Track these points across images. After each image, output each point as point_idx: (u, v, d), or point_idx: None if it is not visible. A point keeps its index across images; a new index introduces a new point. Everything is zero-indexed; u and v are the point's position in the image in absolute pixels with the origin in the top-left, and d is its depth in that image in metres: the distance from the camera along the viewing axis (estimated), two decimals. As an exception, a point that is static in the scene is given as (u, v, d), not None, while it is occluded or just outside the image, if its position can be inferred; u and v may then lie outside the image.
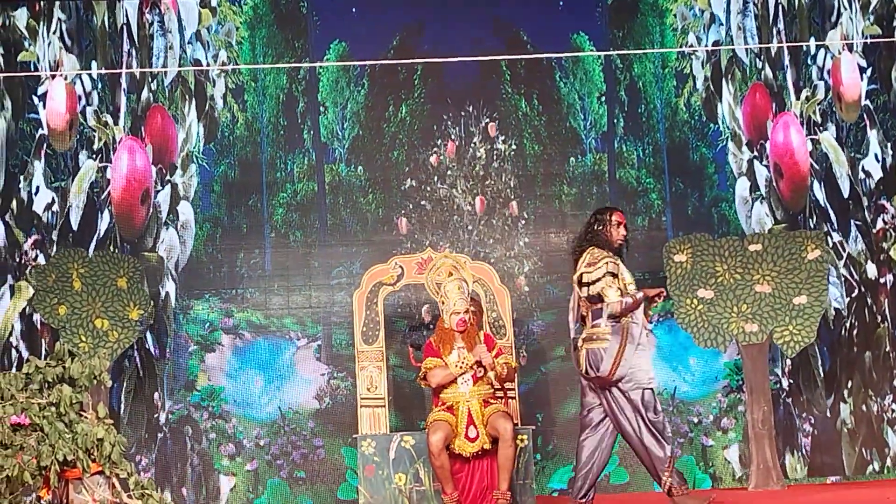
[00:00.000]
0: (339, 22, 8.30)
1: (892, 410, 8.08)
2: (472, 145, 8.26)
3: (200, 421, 7.89)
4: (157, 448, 7.85)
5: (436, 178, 8.22)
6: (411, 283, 7.55)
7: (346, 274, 8.05)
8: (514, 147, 8.27)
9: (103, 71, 8.16)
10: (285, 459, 7.86)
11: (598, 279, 6.16)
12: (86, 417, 6.41)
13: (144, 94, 8.19)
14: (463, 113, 8.27)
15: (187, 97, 8.21)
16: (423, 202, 8.20)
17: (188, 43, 8.25)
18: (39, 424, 6.13)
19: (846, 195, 8.28)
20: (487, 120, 8.28)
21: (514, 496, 6.76)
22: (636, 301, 6.17)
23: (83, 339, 7.48)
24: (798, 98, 8.36)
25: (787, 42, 8.40)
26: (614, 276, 6.16)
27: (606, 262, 6.18)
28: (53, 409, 6.27)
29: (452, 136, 8.26)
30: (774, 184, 8.27)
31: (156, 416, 7.87)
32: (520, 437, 6.84)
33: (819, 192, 8.28)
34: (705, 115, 8.34)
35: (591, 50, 8.36)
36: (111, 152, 8.11)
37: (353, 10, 8.30)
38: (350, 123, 8.26)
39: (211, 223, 8.11)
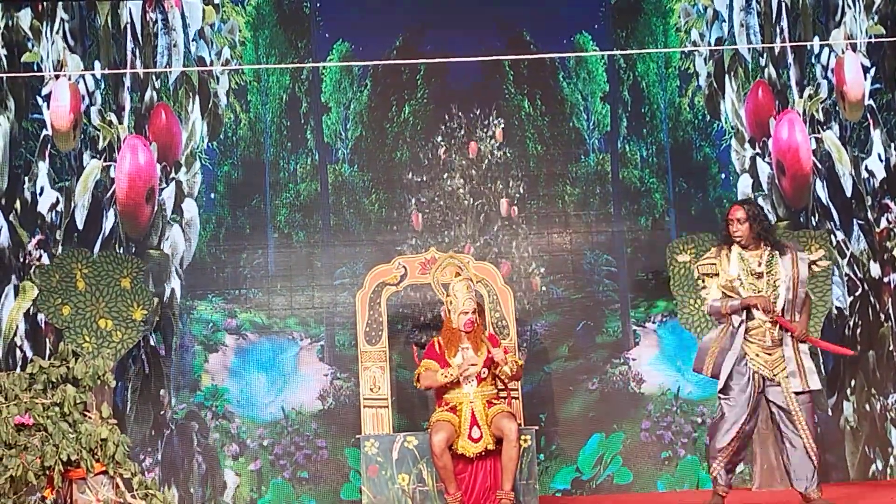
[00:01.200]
0: (343, 22, 8.31)
1: (896, 410, 8.09)
2: (474, 146, 8.26)
3: (205, 421, 7.90)
4: (164, 445, 7.85)
5: (443, 177, 8.21)
6: (415, 283, 7.55)
7: (350, 274, 8.05)
8: (517, 147, 8.27)
9: (107, 71, 8.17)
10: (288, 460, 7.87)
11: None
12: (90, 417, 6.41)
13: (148, 92, 8.20)
14: (468, 114, 8.27)
15: (191, 95, 8.21)
16: (424, 202, 8.20)
17: (192, 41, 8.26)
18: (43, 424, 6.14)
19: (849, 194, 8.28)
20: (490, 120, 8.27)
21: (517, 496, 6.77)
22: (727, 307, 6.28)
23: (87, 339, 7.49)
24: (801, 96, 8.36)
25: (790, 40, 8.40)
26: (712, 276, 6.34)
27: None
28: (57, 409, 6.27)
29: (455, 137, 8.26)
30: (777, 181, 8.26)
31: (162, 413, 7.87)
32: (523, 437, 6.84)
33: (822, 191, 8.27)
34: (708, 112, 8.34)
35: (595, 50, 8.35)
36: (115, 151, 8.12)
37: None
38: (353, 124, 8.27)
39: (214, 224, 8.12)
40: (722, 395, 6.35)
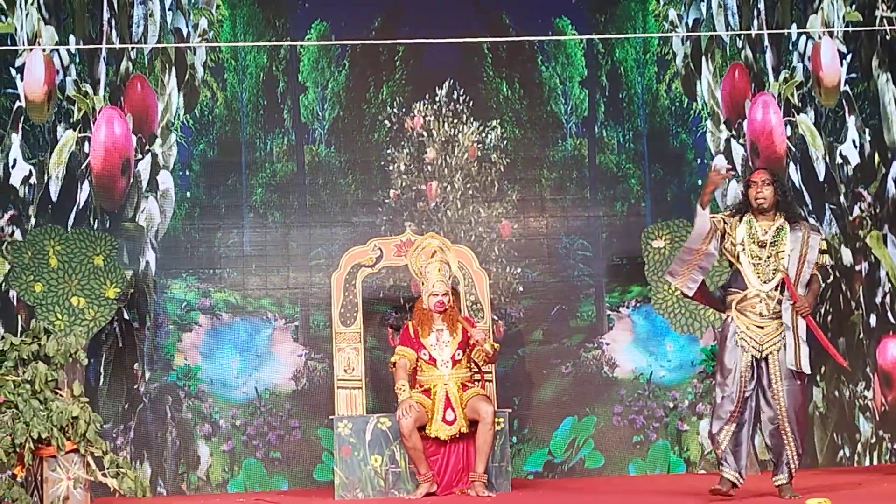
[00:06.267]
0: (321, 2, 8.25)
1: (865, 397, 8.15)
2: (452, 128, 8.23)
3: (178, 397, 7.85)
4: (137, 419, 7.80)
5: (416, 160, 8.19)
6: (390, 265, 7.54)
7: (325, 255, 8.03)
8: (494, 130, 8.25)
9: (83, 46, 8.06)
10: (261, 440, 7.85)
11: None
12: (61, 395, 6.39)
13: (124, 63, 8.10)
14: (446, 96, 8.25)
15: (167, 66, 8.12)
16: (402, 184, 8.17)
17: (168, 10, 8.16)
18: (14, 402, 6.11)
19: (822, 178, 8.33)
20: (468, 103, 8.25)
21: (489, 479, 6.79)
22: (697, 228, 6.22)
23: (59, 316, 7.43)
24: (777, 79, 8.39)
25: (767, 23, 8.41)
26: (716, 230, 6.18)
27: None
28: (28, 386, 6.25)
29: (432, 119, 8.23)
30: (750, 163, 8.29)
31: (136, 386, 7.81)
32: (497, 419, 6.85)
33: (795, 174, 8.32)
34: (684, 94, 8.34)
35: (573, 34, 8.34)
36: (90, 123, 8.03)
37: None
38: (330, 104, 8.22)
39: (189, 202, 8.06)
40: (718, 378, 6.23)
